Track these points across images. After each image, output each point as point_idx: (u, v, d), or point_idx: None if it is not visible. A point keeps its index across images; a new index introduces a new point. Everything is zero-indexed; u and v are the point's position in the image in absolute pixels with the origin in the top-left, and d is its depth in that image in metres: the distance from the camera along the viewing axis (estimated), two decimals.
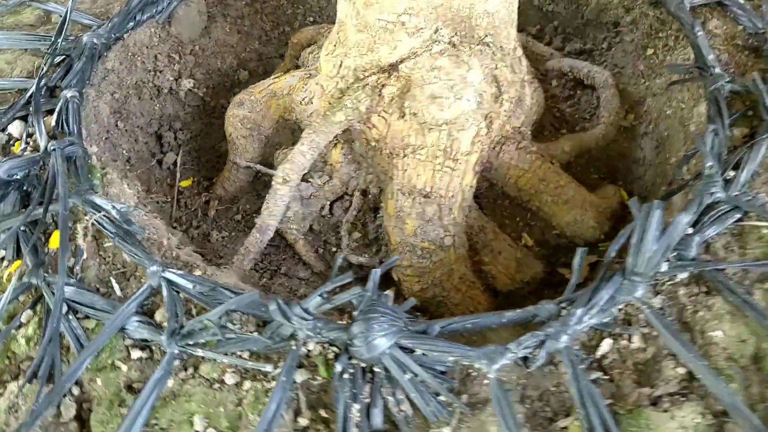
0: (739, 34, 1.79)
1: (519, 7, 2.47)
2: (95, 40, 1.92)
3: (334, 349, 1.27)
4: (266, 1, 2.48)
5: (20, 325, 1.41)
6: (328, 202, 1.85)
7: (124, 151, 2.08)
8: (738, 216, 1.37)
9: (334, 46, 1.72)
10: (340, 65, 1.68)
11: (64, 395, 1.34)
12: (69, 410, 1.33)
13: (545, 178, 1.82)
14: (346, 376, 1.22)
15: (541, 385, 1.25)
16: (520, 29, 2.45)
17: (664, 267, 1.29)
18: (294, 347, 1.24)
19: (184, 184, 2.17)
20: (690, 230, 1.34)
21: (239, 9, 2.43)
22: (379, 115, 1.64)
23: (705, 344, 1.25)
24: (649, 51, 2.08)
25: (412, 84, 1.57)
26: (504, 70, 1.64)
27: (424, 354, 1.22)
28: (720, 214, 1.35)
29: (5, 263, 1.52)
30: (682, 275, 1.31)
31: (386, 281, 1.76)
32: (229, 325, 1.27)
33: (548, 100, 2.18)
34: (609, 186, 1.96)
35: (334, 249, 1.83)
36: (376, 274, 1.26)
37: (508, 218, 1.91)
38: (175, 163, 2.21)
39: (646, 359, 1.25)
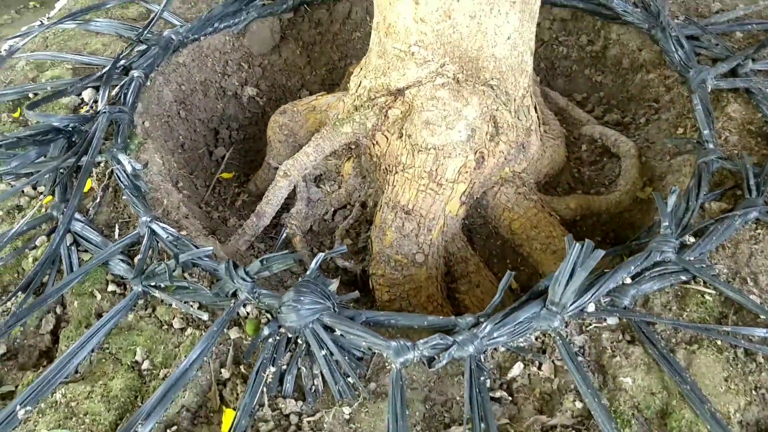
0: (756, 120, 1.80)
1: (569, 75, 2.59)
2: (173, 36, 2.22)
3: (269, 315, 1.40)
4: (338, 34, 2.72)
5: (34, 247, 1.65)
6: (332, 209, 2.00)
7: (180, 137, 2.35)
8: (684, 278, 1.38)
9: (361, 69, 1.90)
10: (359, 85, 1.86)
11: (48, 311, 1.55)
12: (48, 324, 1.54)
13: (538, 225, 1.88)
14: (271, 340, 1.35)
15: (447, 392, 1.31)
16: (567, 94, 2.55)
17: (591, 308, 1.32)
18: (232, 305, 1.38)
19: (225, 175, 2.41)
20: (629, 280, 1.37)
21: (312, 36, 2.69)
22: (382, 134, 1.79)
23: (615, 389, 1.26)
24: (680, 130, 2.10)
25: (413, 109, 1.71)
26: (505, 114, 1.75)
27: (342, 335, 1.32)
28: (666, 272, 1.37)
29: (41, 196, 1.78)
30: (612, 321, 1.34)
31: (366, 287, 1.87)
32: (187, 276, 1.44)
33: (573, 161, 2.25)
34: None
35: (326, 251, 1.97)
36: (319, 257, 1.39)
37: (498, 258, 1.97)
38: (223, 157, 2.45)
39: (552, 389, 1.28)
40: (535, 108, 1.93)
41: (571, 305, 1.28)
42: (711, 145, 1.63)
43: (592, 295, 1.31)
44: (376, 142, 1.81)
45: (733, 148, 1.73)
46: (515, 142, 1.82)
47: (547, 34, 2.59)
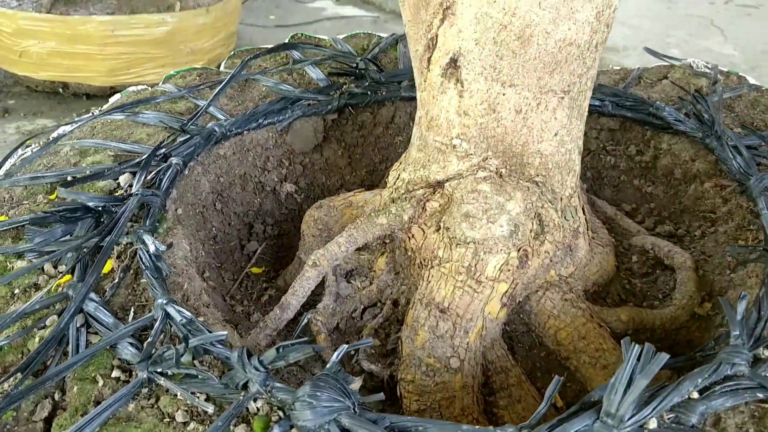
0: None
1: (617, 185, 2.50)
2: (216, 129, 2.24)
3: (281, 413, 1.25)
4: (381, 137, 2.72)
5: (43, 327, 1.56)
6: (362, 306, 1.87)
7: (214, 229, 2.30)
8: (760, 396, 1.19)
9: (400, 162, 1.85)
10: (398, 177, 1.79)
11: (46, 396, 1.43)
12: (43, 410, 1.41)
13: (587, 337, 1.71)
14: None
15: None
16: (615, 205, 2.44)
17: (653, 424, 1.13)
18: (242, 398, 1.23)
19: (255, 270, 2.32)
20: (696, 395, 1.18)
21: (355, 138, 2.69)
22: (419, 226, 1.70)
23: None
24: (740, 242, 1.95)
25: (453, 202, 1.63)
26: (551, 212, 1.64)
27: None
28: (739, 388, 1.19)
29: (60, 275, 1.71)
30: None
31: (394, 395, 1.70)
32: (197, 363, 1.31)
33: (623, 272, 2.10)
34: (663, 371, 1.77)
35: (352, 352, 1.82)
36: (342, 349, 1.26)
37: (542, 371, 1.78)
38: (255, 251, 2.38)
39: None
40: (584, 210, 1.82)
41: (629, 419, 1.10)
42: None
43: (654, 408, 1.13)
44: (412, 235, 1.71)
45: None
46: (561, 243, 1.70)
47: (594, 144, 2.53)
